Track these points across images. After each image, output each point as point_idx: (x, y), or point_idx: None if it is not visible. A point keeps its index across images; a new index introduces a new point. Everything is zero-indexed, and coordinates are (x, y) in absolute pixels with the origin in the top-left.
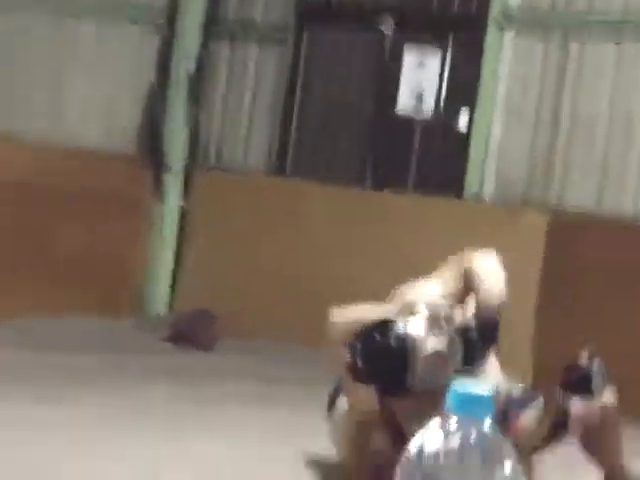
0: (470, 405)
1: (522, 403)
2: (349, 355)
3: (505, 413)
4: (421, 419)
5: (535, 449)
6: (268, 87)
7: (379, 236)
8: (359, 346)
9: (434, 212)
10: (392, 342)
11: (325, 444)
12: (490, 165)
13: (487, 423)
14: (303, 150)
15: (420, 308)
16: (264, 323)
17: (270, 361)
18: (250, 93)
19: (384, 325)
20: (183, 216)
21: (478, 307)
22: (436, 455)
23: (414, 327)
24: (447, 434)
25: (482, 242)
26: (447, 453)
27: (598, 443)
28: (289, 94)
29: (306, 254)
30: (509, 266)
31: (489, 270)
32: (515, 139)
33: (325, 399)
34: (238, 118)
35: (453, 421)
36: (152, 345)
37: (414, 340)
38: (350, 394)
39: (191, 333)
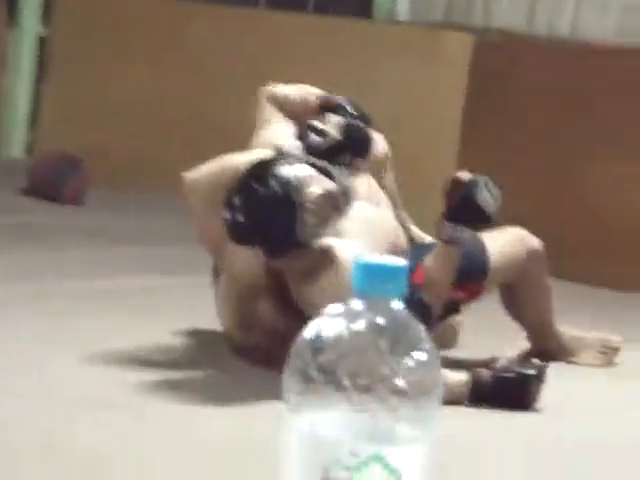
0: (378, 281)
1: (428, 247)
2: (225, 213)
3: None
4: (314, 282)
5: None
6: None
7: (275, 67)
8: (237, 199)
9: (339, 35)
10: (275, 188)
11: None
12: None
13: (398, 303)
14: None
15: (291, 146)
16: (138, 170)
17: (149, 216)
18: None
19: (262, 169)
20: (42, 45)
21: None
22: (334, 343)
23: (297, 168)
24: (349, 316)
25: (398, 69)
26: (348, 340)
27: (520, 297)
28: None
29: (190, 84)
30: (430, 96)
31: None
32: None
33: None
34: None
35: (357, 300)
36: (8, 199)
37: (300, 182)
38: (229, 261)
39: (54, 183)
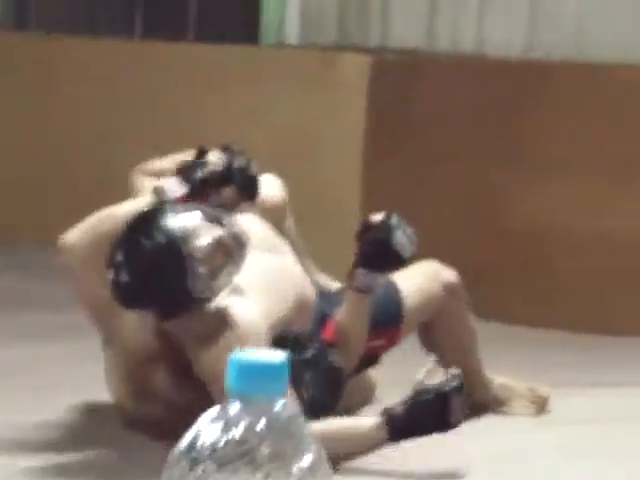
0: (257, 381)
1: (338, 298)
2: (109, 273)
3: (319, 312)
4: (211, 347)
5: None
6: None
7: (153, 99)
8: (119, 256)
9: (224, 63)
10: (160, 240)
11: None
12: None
13: (281, 403)
14: None
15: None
16: (25, 224)
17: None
18: None
19: (144, 220)
20: None
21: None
22: (210, 453)
23: (182, 216)
24: (227, 422)
25: (290, 96)
26: (225, 449)
27: (441, 336)
28: None
29: (59, 127)
30: (328, 124)
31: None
32: None
33: None
34: None
35: (234, 403)
36: None
37: (187, 231)
38: (117, 328)
39: None
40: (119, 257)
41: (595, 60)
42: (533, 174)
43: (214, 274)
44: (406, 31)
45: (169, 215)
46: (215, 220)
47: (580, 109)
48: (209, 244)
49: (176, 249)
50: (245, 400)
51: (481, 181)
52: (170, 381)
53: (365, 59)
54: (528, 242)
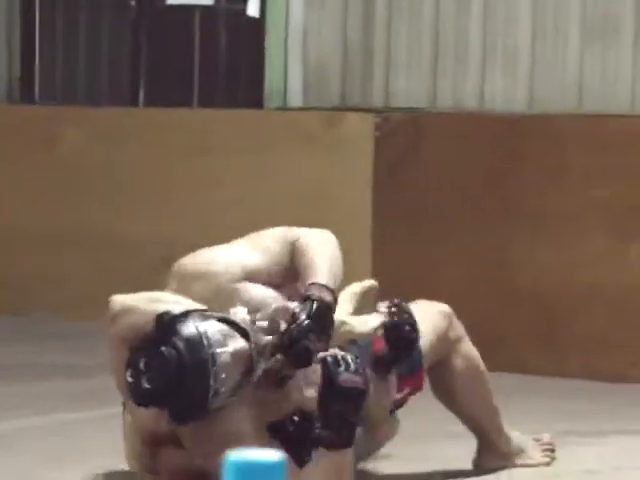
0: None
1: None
2: (128, 375)
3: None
4: (212, 443)
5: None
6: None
7: (163, 167)
8: (142, 362)
9: (229, 128)
10: (185, 353)
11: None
12: (294, 60)
13: None
14: (53, 70)
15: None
16: (37, 292)
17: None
18: None
19: (171, 326)
20: None
21: (307, 289)
22: None
23: (209, 325)
24: None
25: (295, 159)
26: None
27: (462, 403)
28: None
29: (72, 196)
30: (334, 184)
31: (321, 244)
32: (323, 23)
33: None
34: None
35: None
36: None
37: (213, 346)
38: (133, 412)
39: None
40: (141, 364)
41: (597, 112)
42: (540, 230)
43: (234, 391)
44: (409, 91)
45: (194, 323)
46: (240, 331)
47: (586, 163)
48: (230, 357)
49: (200, 364)
50: None
51: (489, 238)
52: (176, 463)
53: (369, 119)
54: (537, 298)
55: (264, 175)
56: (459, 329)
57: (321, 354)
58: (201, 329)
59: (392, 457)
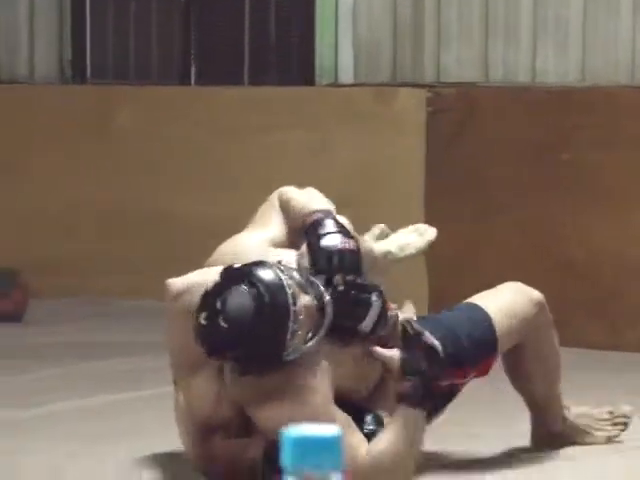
0: (311, 455)
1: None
2: (201, 317)
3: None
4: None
5: None
6: None
7: (215, 145)
8: (219, 302)
9: (280, 106)
10: (265, 293)
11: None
12: (344, 36)
13: (336, 477)
14: (104, 49)
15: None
16: (81, 275)
17: (97, 326)
18: None
19: (247, 272)
20: None
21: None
22: None
23: (283, 275)
24: None
25: (350, 135)
26: None
27: (530, 360)
28: None
29: (121, 176)
30: (387, 160)
31: (302, 192)
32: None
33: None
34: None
35: (290, 477)
36: None
37: (289, 289)
38: (188, 395)
39: None
40: (217, 304)
41: None
42: (594, 203)
43: (306, 338)
44: (460, 66)
45: (270, 271)
46: (303, 287)
47: None
48: (306, 307)
49: (282, 306)
50: (300, 474)
51: (543, 212)
52: (228, 452)
53: (421, 94)
54: (593, 271)
55: (316, 152)
56: (547, 317)
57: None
58: (282, 277)
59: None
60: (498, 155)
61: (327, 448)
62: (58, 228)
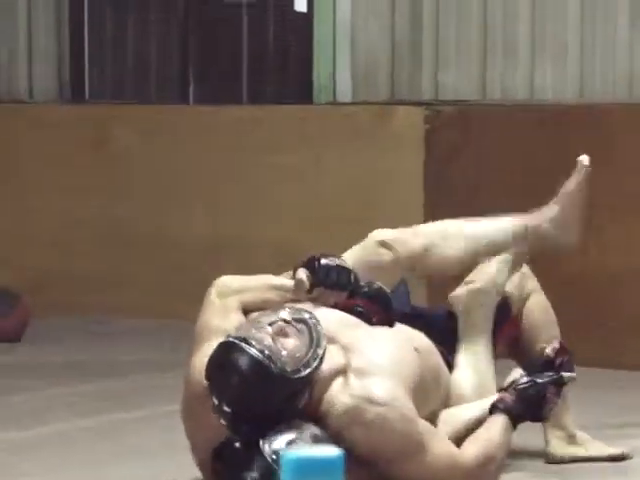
0: (313, 477)
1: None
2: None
3: None
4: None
5: None
6: None
7: (214, 164)
8: (216, 400)
9: (278, 124)
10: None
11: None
12: (342, 55)
13: None
14: (102, 69)
15: None
16: (79, 293)
17: (95, 345)
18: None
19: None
20: None
21: None
22: None
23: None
24: None
25: (348, 153)
26: None
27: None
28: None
29: (123, 194)
30: (386, 179)
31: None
32: (371, 16)
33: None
34: (14, 35)
35: None
36: None
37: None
38: (191, 431)
39: None
40: (215, 400)
41: None
42: (589, 223)
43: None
44: (458, 84)
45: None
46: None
47: (637, 153)
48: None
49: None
50: None
51: None
52: None
53: (419, 112)
54: (596, 285)
55: (314, 171)
56: (533, 282)
57: None
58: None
59: None
60: (496, 172)
61: (329, 470)
62: (55, 247)
